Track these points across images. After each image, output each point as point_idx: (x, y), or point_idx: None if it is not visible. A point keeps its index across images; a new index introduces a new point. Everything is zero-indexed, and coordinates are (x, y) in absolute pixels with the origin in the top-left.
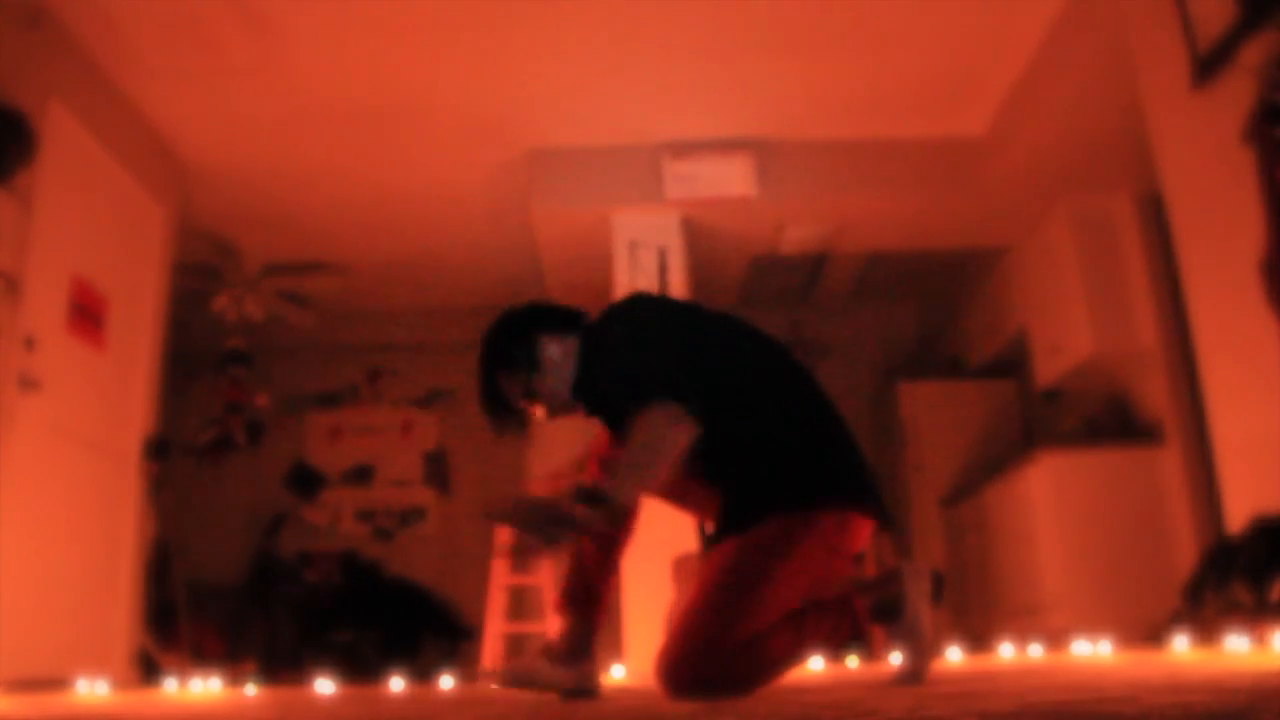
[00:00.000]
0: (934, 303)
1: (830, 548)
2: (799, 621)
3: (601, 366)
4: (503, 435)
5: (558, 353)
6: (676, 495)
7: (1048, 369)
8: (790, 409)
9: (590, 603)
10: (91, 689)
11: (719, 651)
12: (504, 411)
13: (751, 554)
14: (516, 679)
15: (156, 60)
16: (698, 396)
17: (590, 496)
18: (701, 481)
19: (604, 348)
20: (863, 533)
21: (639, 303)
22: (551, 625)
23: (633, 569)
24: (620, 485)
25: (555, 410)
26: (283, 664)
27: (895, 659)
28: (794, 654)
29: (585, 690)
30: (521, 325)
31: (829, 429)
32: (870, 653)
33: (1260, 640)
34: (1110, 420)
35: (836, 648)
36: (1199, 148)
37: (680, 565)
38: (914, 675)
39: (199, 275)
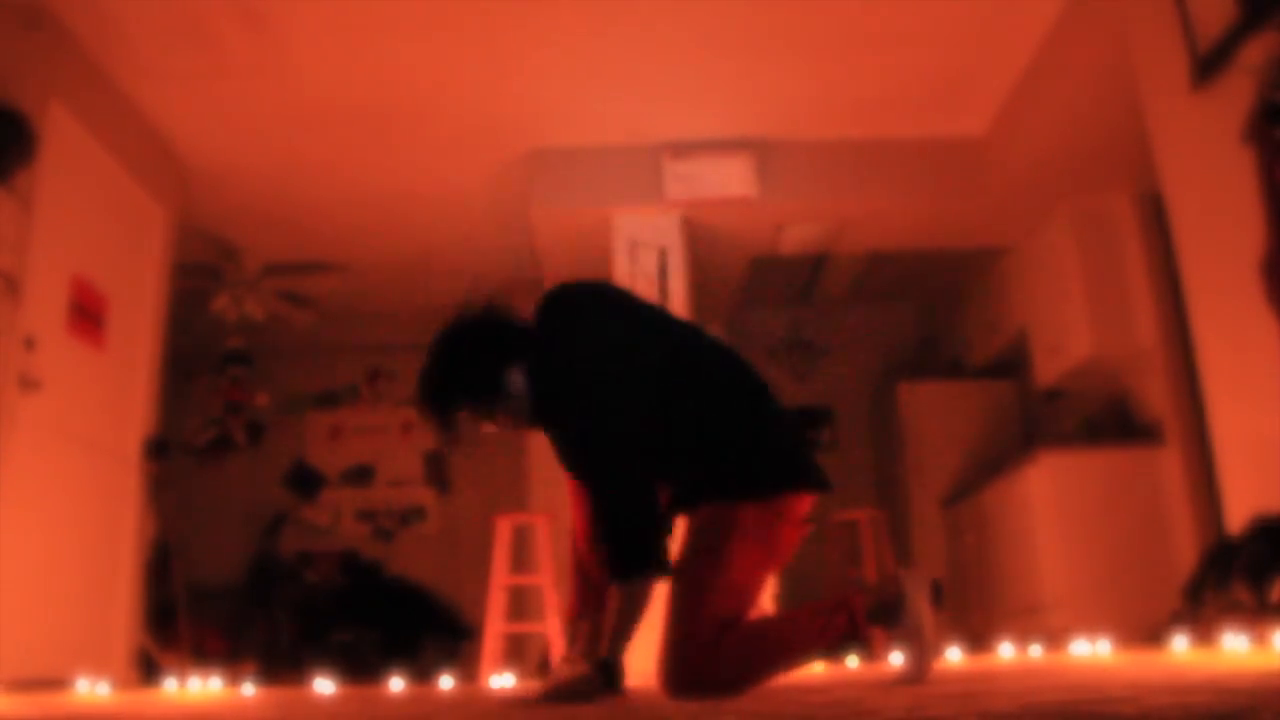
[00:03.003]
0: (934, 303)
1: (769, 522)
2: (794, 620)
3: (552, 404)
4: (447, 439)
5: (520, 382)
6: None
7: (1048, 369)
8: (716, 399)
9: (601, 607)
10: (91, 689)
11: (702, 647)
12: (451, 427)
13: (692, 549)
14: (559, 695)
15: (156, 60)
16: (633, 452)
17: (604, 668)
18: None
19: (550, 374)
20: (799, 508)
21: (573, 312)
22: (558, 635)
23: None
24: (615, 648)
25: (512, 428)
26: (283, 664)
27: (896, 659)
28: (789, 652)
29: (614, 686)
30: (489, 357)
31: (755, 414)
32: (870, 653)
33: (1260, 640)
34: (1110, 420)
35: (834, 647)
36: (1199, 148)
37: None
38: (915, 676)
39: (199, 275)
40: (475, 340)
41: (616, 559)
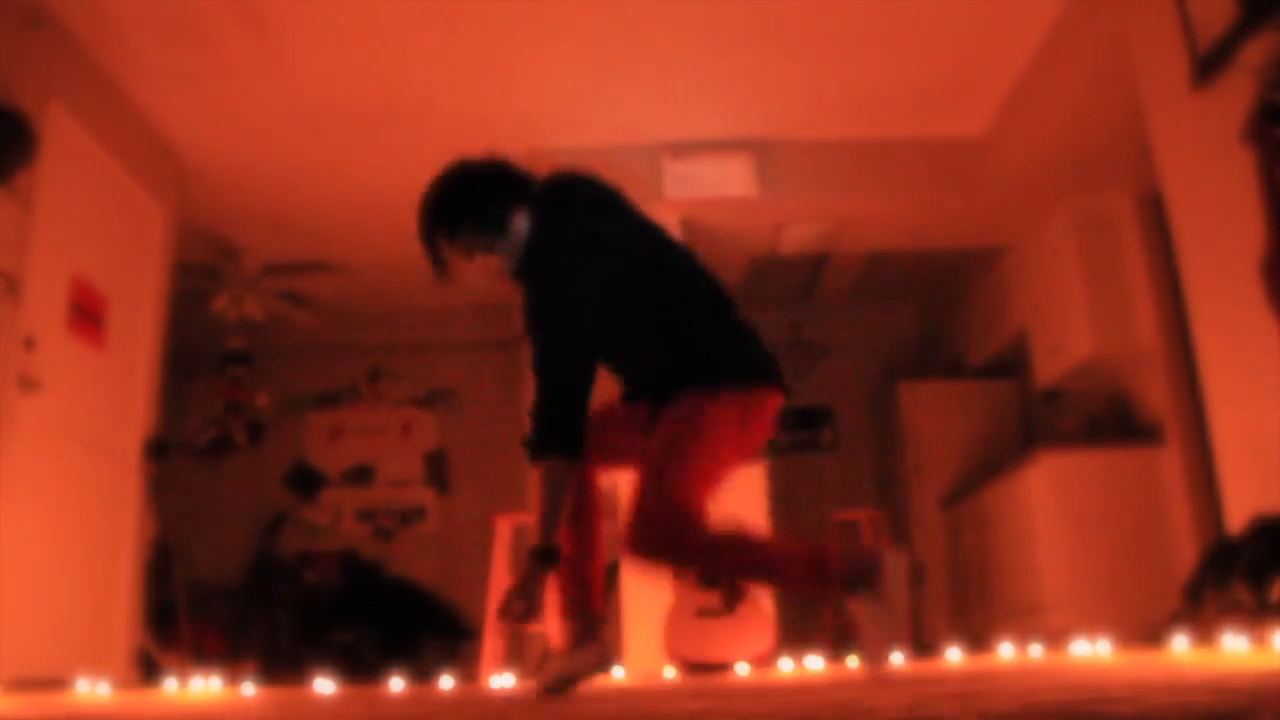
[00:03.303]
0: (934, 303)
1: (740, 419)
2: (771, 540)
3: (541, 271)
4: (438, 275)
5: (522, 227)
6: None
7: (1048, 369)
8: (703, 293)
9: (585, 596)
10: (91, 689)
11: (676, 506)
12: (443, 257)
13: (670, 430)
14: (560, 681)
15: (156, 60)
16: (588, 337)
17: (536, 554)
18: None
19: (545, 246)
20: (769, 405)
21: (577, 198)
22: (558, 634)
23: (633, 569)
24: (543, 534)
25: (498, 274)
26: (283, 664)
27: (863, 634)
28: (756, 555)
29: (607, 662)
30: (503, 190)
31: (727, 313)
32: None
33: (1260, 640)
34: (1110, 420)
35: (799, 587)
36: (1199, 148)
37: None
38: (874, 654)
39: (199, 275)
40: (489, 173)
41: (533, 435)
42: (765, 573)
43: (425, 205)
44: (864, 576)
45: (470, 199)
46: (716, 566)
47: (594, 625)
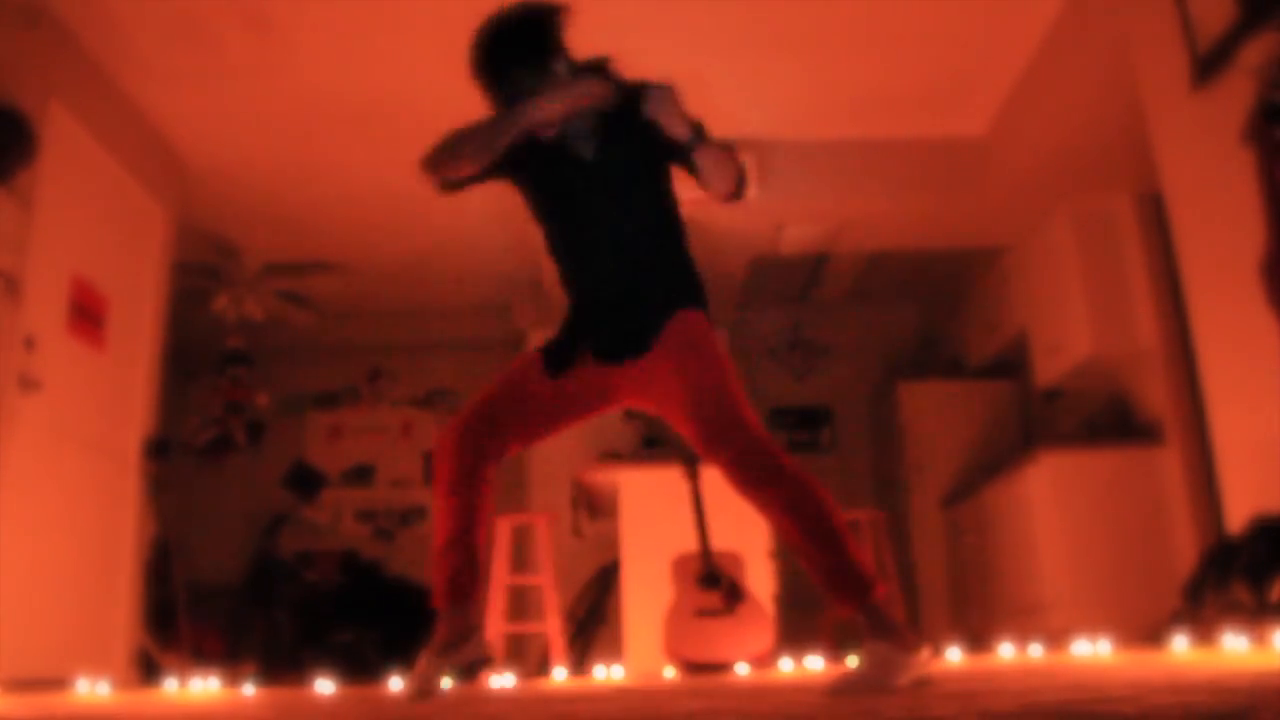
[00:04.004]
0: (934, 303)
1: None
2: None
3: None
4: (497, 98)
5: (565, 72)
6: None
7: (1048, 369)
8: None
9: (471, 588)
10: (91, 689)
11: (764, 433)
12: (504, 86)
13: (712, 355)
14: (421, 693)
15: (156, 60)
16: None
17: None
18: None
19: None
20: None
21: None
22: (558, 634)
23: (633, 568)
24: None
25: (536, 114)
26: (283, 664)
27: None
28: (836, 519)
29: (483, 659)
30: (553, 34)
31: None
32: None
33: (1260, 640)
34: (1110, 420)
35: (848, 576)
36: (1199, 148)
37: (680, 565)
38: (853, 687)
39: (199, 275)
40: (540, 15)
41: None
42: (836, 535)
43: (479, 40)
44: (894, 630)
45: (523, 31)
46: (808, 501)
47: (475, 615)
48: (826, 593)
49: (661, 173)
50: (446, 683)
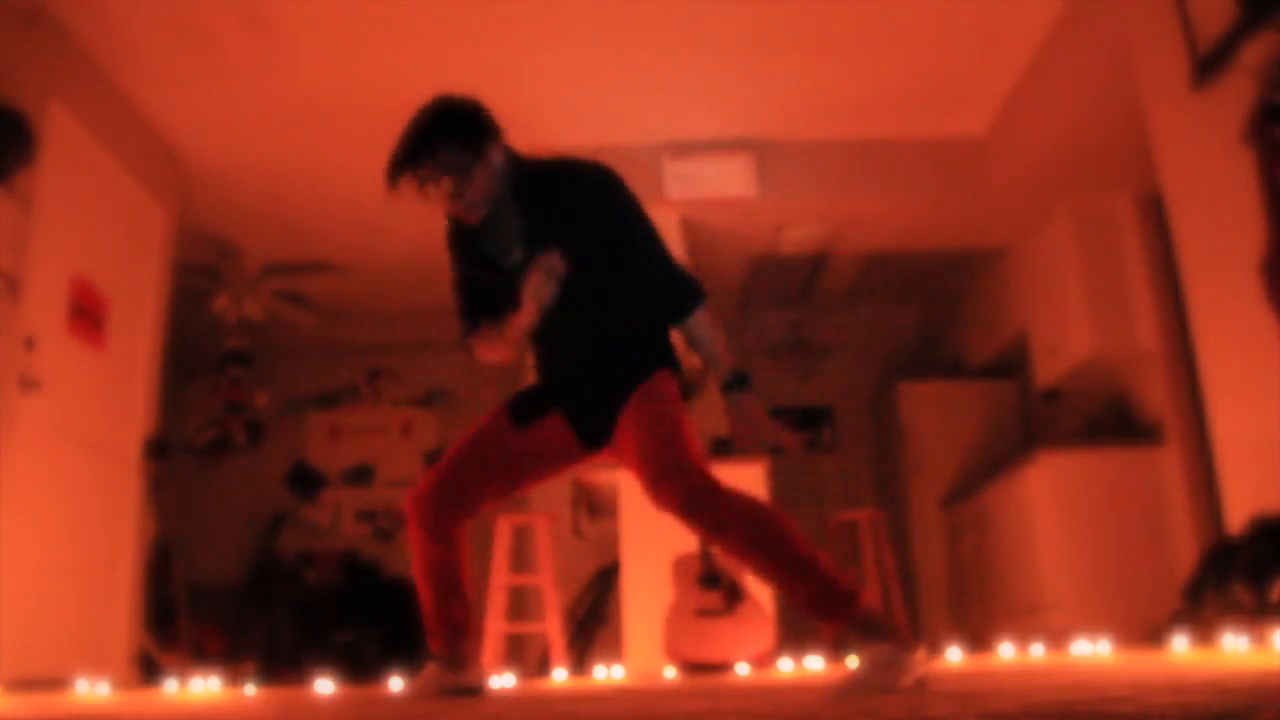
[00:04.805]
0: (934, 303)
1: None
2: (808, 541)
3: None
4: (421, 195)
5: (499, 165)
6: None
7: (1048, 369)
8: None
9: (463, 621)
10: (91, 689)
11: (701, 472)
12: (423, 174)
13: (664, 411)
14: (423, 694)
15: (156, 60)
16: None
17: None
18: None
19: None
20: None
21: (615, 182)
22: (558, 635)
23: (633, 568)
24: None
25: (465, 206)
26: (283, 664)
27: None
28: (785, 539)
29: (470, 688)
30: (484, 119)
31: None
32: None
33: (1260, 640)
34: (1110, 420)
35: (818, 592)
36: (1199, 148)
37: (680, 565)
38: (851, 691)
39: (199, 275)
40: (473, 104)
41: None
42: (793, 555)
43: (411, 130)
44: (890, 631)
45: (454, 118)
46: (768, 536)
47: (471, 649)
48: (812, 616)
49: (596, 255)
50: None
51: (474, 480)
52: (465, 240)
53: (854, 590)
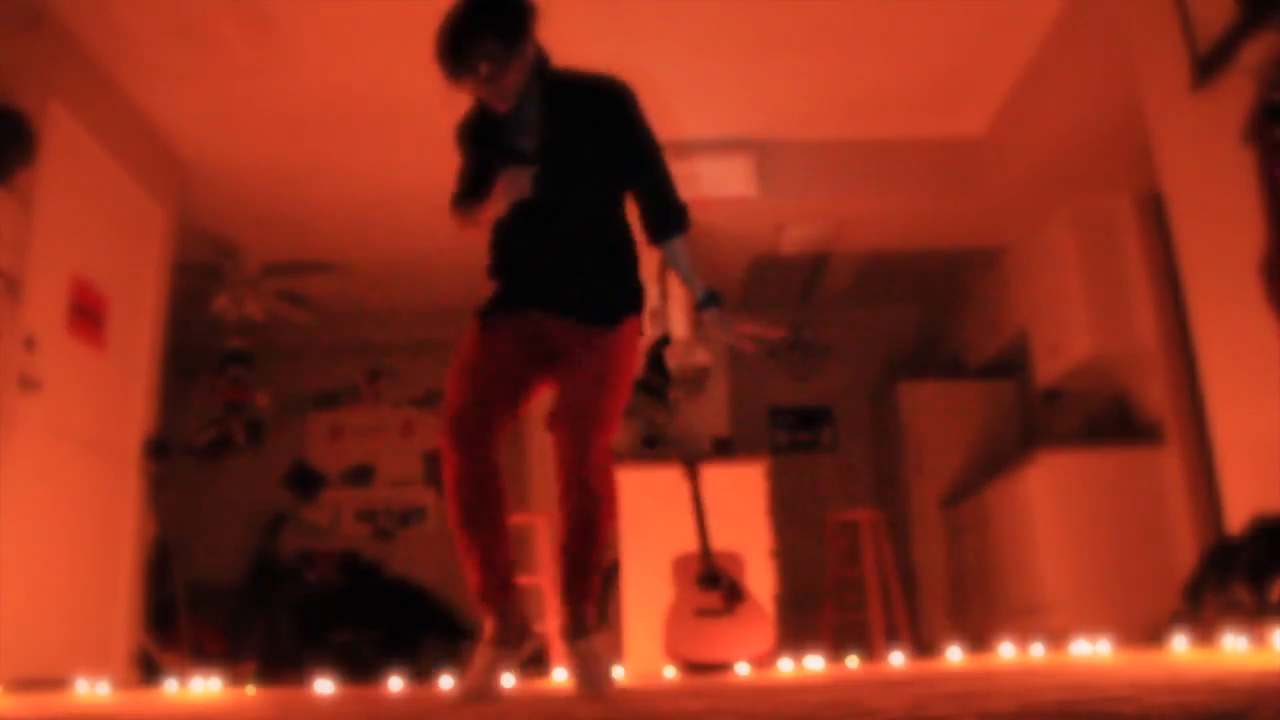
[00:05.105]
0: (934, 303)
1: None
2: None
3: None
4: (458, 82)
5: (532, 57)
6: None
7: (1048, 369)
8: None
9: (509, 585)
10: (91, 689)
11: (608, 450)
12: (470, 65)
13: (621, 366)
14: (477, 693)
15: (156, 60)
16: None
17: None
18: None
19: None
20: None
21: (635, 97)
22: (558, 636)
23: (633, 568)
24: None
25: (498, 92)
26: (283, 664)
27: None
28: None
29: (540, 650)
30: (527, 12)
31: None
32: (870, 653)
33: (1260, 640)
34: (1110, 420)
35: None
36: (1199, 148)
37: (680, 565)
38: (592, 681)
39: (199, 275)
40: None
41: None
42: (604, 548)
43: (449, 18)
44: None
45: (493, 6)
46: (594, 527)
47: (521, 605)
48: (579, 599)
49: (606, 161)
50: (508, 679)
51: (491, 398)
52: (484, 129)
53: (596, 614)
